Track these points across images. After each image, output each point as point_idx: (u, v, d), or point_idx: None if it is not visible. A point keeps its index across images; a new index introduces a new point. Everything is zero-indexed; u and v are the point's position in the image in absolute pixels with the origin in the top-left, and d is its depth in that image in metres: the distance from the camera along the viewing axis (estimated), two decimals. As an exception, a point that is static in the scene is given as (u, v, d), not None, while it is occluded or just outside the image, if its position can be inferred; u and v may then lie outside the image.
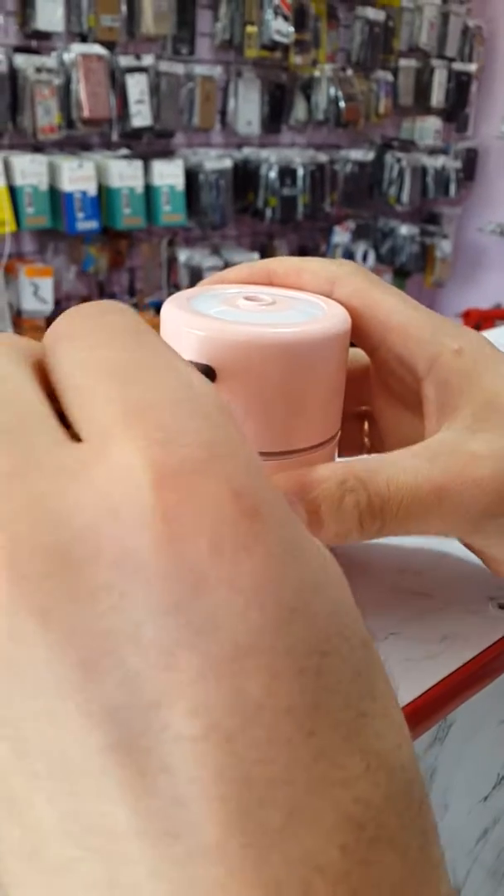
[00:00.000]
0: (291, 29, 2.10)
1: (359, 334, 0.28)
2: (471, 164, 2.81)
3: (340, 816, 0.11)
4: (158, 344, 0.14)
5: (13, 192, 1.77)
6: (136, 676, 0.11)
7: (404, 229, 2.59)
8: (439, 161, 2.61)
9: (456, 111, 2.75)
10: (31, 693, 0.11)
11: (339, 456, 0.32)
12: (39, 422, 0.13)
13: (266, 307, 0.27)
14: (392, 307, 0.27)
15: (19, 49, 1.78)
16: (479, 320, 2.58)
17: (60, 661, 0.11)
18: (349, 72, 2.35)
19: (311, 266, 0.29)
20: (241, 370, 0.24)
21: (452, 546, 0.35)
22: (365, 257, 2.54)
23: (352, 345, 0.29)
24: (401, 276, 2.71)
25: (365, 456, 0.26)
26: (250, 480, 0.12)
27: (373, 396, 0.31)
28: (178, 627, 0.11)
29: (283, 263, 0.29)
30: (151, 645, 0.11)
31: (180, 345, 0.25)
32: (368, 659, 0.13)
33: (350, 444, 0.32)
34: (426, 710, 0.26)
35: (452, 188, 2.66)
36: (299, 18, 2.14)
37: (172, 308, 0.26)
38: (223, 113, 2.17)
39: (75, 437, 0.13)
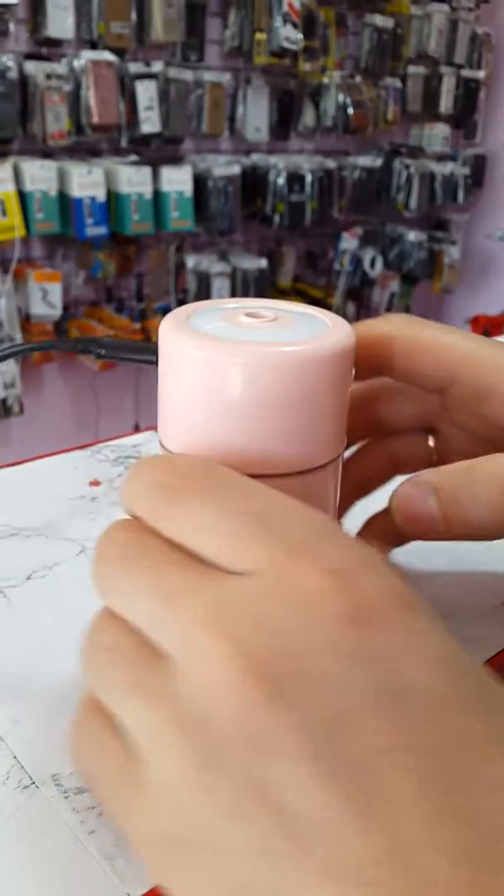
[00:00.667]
0: (300, 36, 2.11)
1: (425, 378, 0.28)
2: (479, 170, 2.81)
3: None
4: (265, 490, 0.19)
5: (23, 197, 1.78)
6: None
7: (412, 235, 2.59)
8: (447, 167, 2.61)
9: (464, 118, 2.75)
10: None
11: (404, 473, 0.30)
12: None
13: (267, 324, 0.25)
14: (454, 342, 0.27)
15: (30, 56, 1.79)
16: (488, 326, 2.58)
17: None
18: (358, 78, 2.35)
19: (366, 332, 0.28)
20: (230, 390, 0.23)
21: (465, 553, 0.35)
22: (373, 263, 2.54)
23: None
24: (409, 283, 2.71)
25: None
26: (398, 580, 0.17)
27: (439, 427, 0.30)
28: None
29: None
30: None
31: (175, 363, 0.24)
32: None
33: (415, 459, 0.31)
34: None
35: (461, 194, 2.66)
36: (308, 25, 2.15)
37: (168, 325, 0.24)
38: (232, 119, 2.17)
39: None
